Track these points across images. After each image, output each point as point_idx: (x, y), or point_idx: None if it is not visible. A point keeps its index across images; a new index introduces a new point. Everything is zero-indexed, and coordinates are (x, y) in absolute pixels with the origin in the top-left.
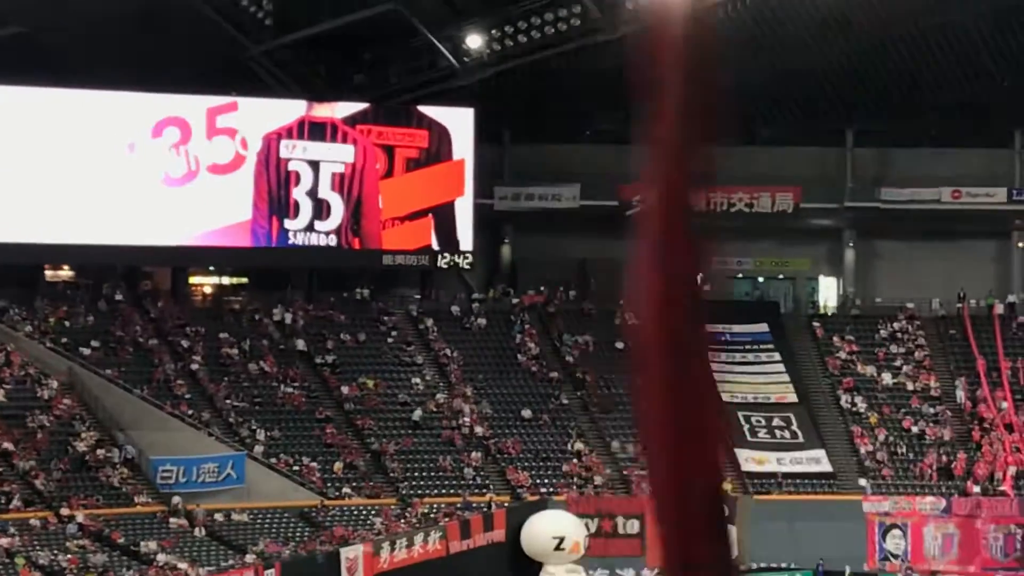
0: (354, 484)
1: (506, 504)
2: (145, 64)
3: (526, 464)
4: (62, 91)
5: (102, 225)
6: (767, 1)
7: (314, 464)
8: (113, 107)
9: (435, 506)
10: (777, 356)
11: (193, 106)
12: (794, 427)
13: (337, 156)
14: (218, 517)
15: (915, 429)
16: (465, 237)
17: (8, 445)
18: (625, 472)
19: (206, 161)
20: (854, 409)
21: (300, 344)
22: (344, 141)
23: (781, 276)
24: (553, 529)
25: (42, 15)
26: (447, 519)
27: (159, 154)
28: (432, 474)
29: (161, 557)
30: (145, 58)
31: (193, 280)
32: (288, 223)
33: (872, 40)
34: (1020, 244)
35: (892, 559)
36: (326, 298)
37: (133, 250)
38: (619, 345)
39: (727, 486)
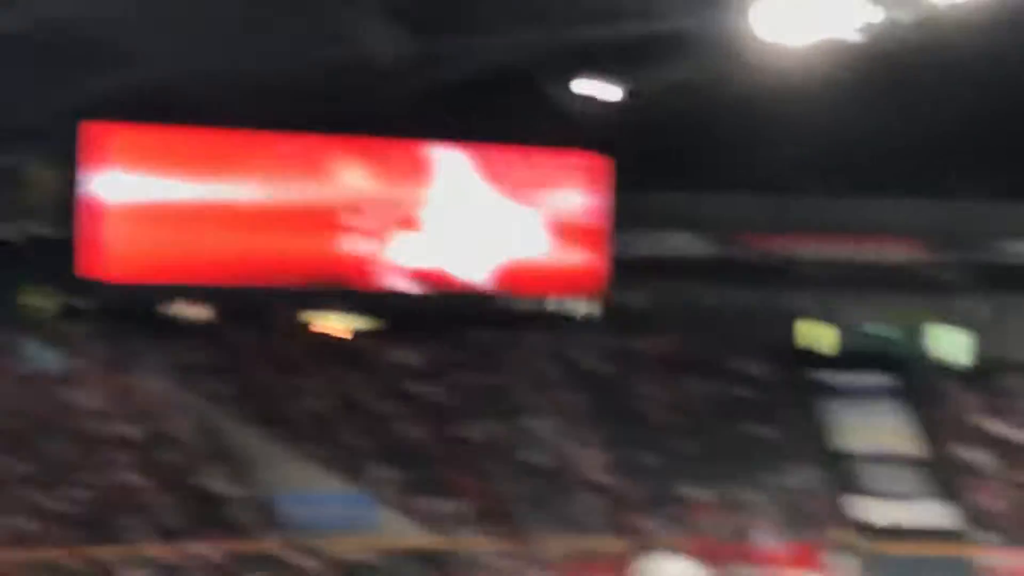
0: (482, 526)
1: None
2: (280, 106)
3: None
4: None
5: None
6: (899, 53)
7: (443, 505)
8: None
9: (565, 549)
10: (904, 408)
11: None
12: (919, 480)
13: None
14: (345, 557)
15: None
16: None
17: (136, 479)
18: (744, 521)
19: None
20: (980, 464)
21: (423, 385)
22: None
23: (909, 328)
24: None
25: (181, 58)
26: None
27: None
28: (558, 516)
29: None
30: (280, 100)
31: (322, 320)
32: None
33: (1000, 93)
34: None
35: None
36: (449, 340)
37: (261, 290)
38: (741, 393)
39: (845, 538)
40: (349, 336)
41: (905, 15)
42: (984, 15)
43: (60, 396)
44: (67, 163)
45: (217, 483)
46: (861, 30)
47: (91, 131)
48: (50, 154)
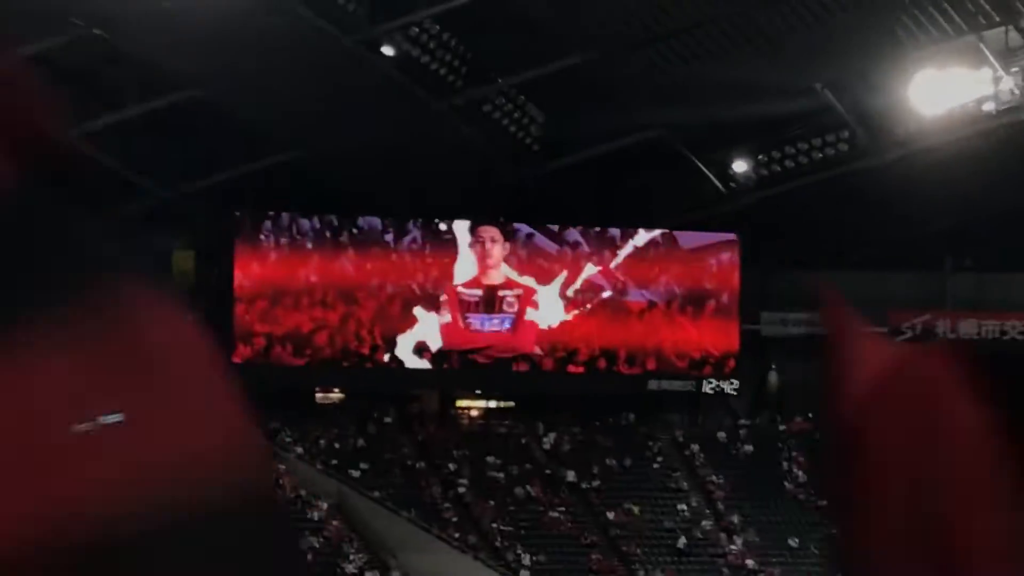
0: None
1: None
2: (416, 192)
3: None
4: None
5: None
6: None
7: None
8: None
9: None
10: None
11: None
12: None
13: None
14: None
15: None
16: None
17: None
18: None
19: None
20: None
21: (566, 468)
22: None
23: None
24: None
25: (314, 144)
26: None
27: None
28: None
29: None
30: (415, 186)
31: (460, 403)
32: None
33: None
34: None
35: None
36: (592, 423)
37: (401, 372)
38: None
39: None
40: (484, 417)
41: None
42: None
43: None
44: (206, 248)
45: (359, 568)
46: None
47: (236, 218)
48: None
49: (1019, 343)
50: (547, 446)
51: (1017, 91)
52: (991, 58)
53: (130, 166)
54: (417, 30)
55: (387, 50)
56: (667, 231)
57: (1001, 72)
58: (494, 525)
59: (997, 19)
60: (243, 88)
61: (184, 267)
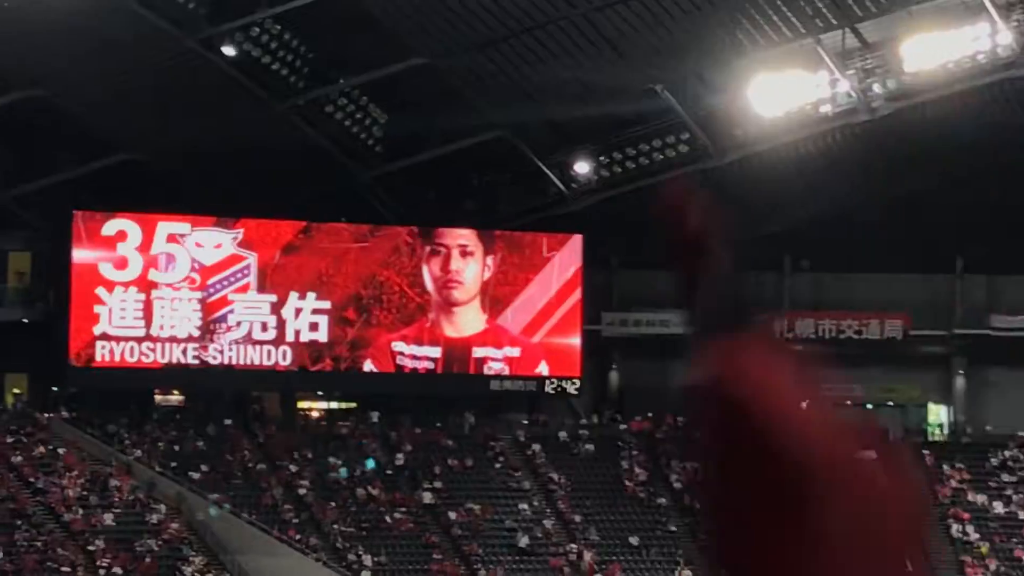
0: None
1: None
2: (258, 191)
3: None
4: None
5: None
6: (877, 129)
7: None
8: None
9: None
10: None
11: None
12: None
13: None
14: None
15: None
16: (573, 362)
17: (117, 570)
18: None
19: None
20: (965, 538)
21: (407, 469)
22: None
23: (890, 403)
24: None
25: (155, 143)
26: None
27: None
28: None
29: None
30: (257, 185)
31: (301, 405)
32: (396, 346)
33: (977, 167)
34: None
35: None
36: (433, 423)
37: (241, 375)
38: None
39: None
40: (326, 418)
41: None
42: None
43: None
44: (45, 247)
45: (198, 571)
46: (841, 107)
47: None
48: (28, 240)
49: (855, 342)
50: (388, 446)
51: (853, 94)
52: (828, 61)
53: None
54: (258, 30)
55: (228, 50)
56: (509, 231)
57: (838, 75)
58: (335, 526)
59: (834, 22)
60: (83, 88)
61: (20, 268)
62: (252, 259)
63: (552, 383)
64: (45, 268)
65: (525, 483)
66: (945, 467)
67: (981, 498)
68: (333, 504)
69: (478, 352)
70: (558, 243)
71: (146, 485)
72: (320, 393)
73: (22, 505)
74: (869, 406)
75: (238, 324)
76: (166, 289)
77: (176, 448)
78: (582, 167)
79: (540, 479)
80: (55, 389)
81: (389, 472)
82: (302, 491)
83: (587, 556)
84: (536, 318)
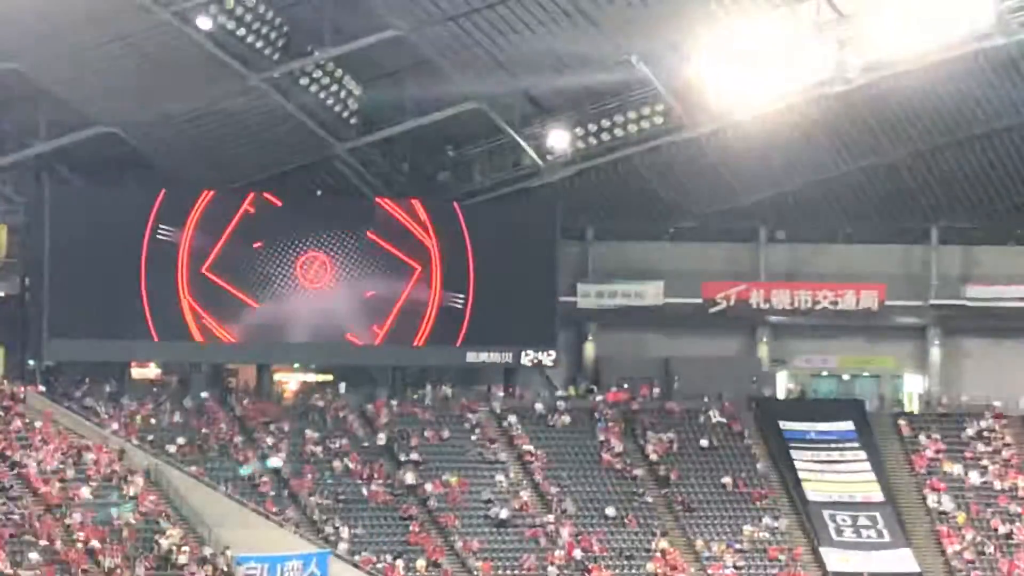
0: None
1: None
2: (231, 162)
3: (609, 562)
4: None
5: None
6: (852, 99)
7: (398, 562)
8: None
9: None
10: (863, 454)
11: None
12: (880, 526)
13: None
14: None
15: (1003, 529)
16: (549, 334)
17: (94, 542)
18: (710, 571)
19: None
20: (941, 508)
21: (384, 441)
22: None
23: (866, 374)
24: None
25: (130, 116)
26: None
27: None
28: (515, 572)
29: None
30: (232, 158)
31: (278, 377)
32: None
33: (952, 138)
34: None
35: None
36: (410, 395)
37: (217, 347)
38: (703, 443)
39: None
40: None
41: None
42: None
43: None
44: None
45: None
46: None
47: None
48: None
49: (831, 313)
50: (365, 418)
51: (829, 64)
52: (804, 31)
53: None
54: (233, 2)
55: (203, 22)
56: (486, 202)
57: (814, 45)
58: (312, 499)
59: None
60: (58, 61)
61: None
62: None
63: (528, 355)
64: (20, 241)
65: (502, 455)
66: (921, 437)
67: (957, 468)
68: (309, 476)
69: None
70: (534, 215)
71: (123, 457)
72: (296, 366)
73: None
74: (845, 376)
75: None
76: None
77: (153, 421)
78: (557, 139)
79: (516, 451)
80: (31, 362)
81: (366, 445)
82: (279, 463)
83: (564, 528)
84: (513, 291)
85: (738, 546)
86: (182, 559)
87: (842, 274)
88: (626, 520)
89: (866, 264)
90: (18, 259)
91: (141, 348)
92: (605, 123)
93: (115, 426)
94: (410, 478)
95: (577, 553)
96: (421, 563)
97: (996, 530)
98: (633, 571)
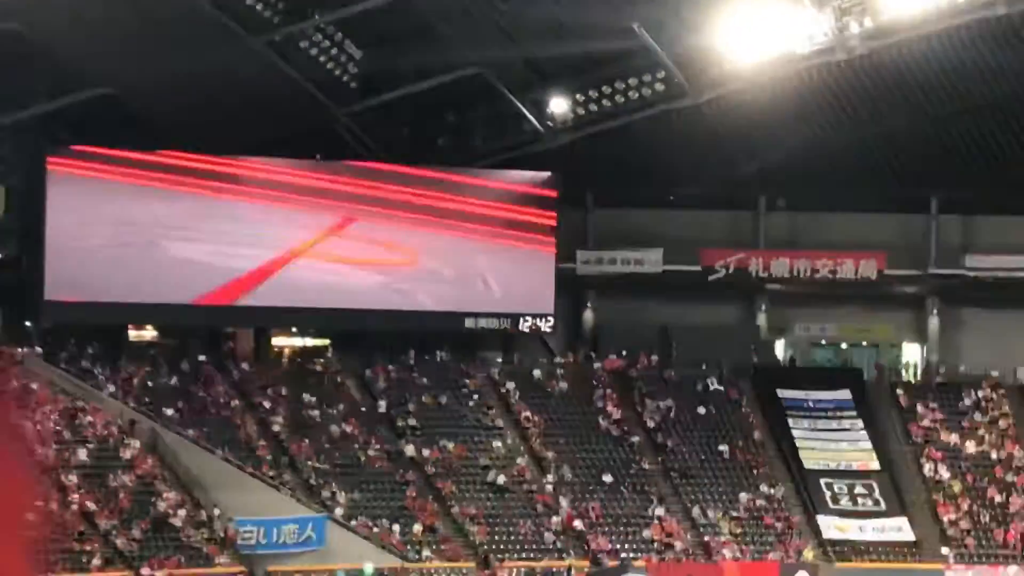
0: (434, 547)
1: (586, 569)
2: (232, 127)
3: (606, 529)
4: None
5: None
6: (852, 68)
7: (394, 527)
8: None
9: (515, 571)
10: (860, 423)
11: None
12: (876, 495)
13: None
14: None
15: (999, 498)
16: (547, 301)
17: (90, 504)
18: (707, 538)
19: None
20: (937, 477)
21: (382, 406)
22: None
23: (864, 343)
24: None
25: (129, 78)
26: None
27: None
28: (512, 538)
29: None
30: (231, 122)
31: (275, 341)
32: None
33: (953, 107)
34: None
35: None
36: (407, 360)
37: (215, 310)
38: (701, 411)
39: (809, 553)
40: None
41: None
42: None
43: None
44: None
45: (171, 507)
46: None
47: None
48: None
49: (830, 282)
50: (362, 382)
51: (830, 33)
52: (805, 0)
53: None
54: None
55: None
56: (485, 169)
57: (815, 12)
58: (309, 463)
59: None
60: (56, 21)
61: None
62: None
63: (527, 321)
64: (18, 203)
65: (499, 421)
66: (919, 407)
67: (954, 438)
68: (307, 441)
69: None
70: (534, 181)
71: (119, 420)
72: (294, 330)
73: None
74: (844, 345)
75: None
76: None
77: (149, 384)
78: (558, 105)
79: (514, 417)
80: (29, 324)
81: (363, 409)
82: (276, 428)
83: (561, 495)
84: (514, 256)
85: (735, 514)
86: (178, 522)
87: (841, 243)
88: (623, 487)
89: (866, 233)
90: (16, 220)
91: (139, 311)
92: (606, 90)
93: (112, 388)
94: (408, 444)
95: (577, 524)
96: (417, 528)
97: (992, 500)
98: (629, 537)
